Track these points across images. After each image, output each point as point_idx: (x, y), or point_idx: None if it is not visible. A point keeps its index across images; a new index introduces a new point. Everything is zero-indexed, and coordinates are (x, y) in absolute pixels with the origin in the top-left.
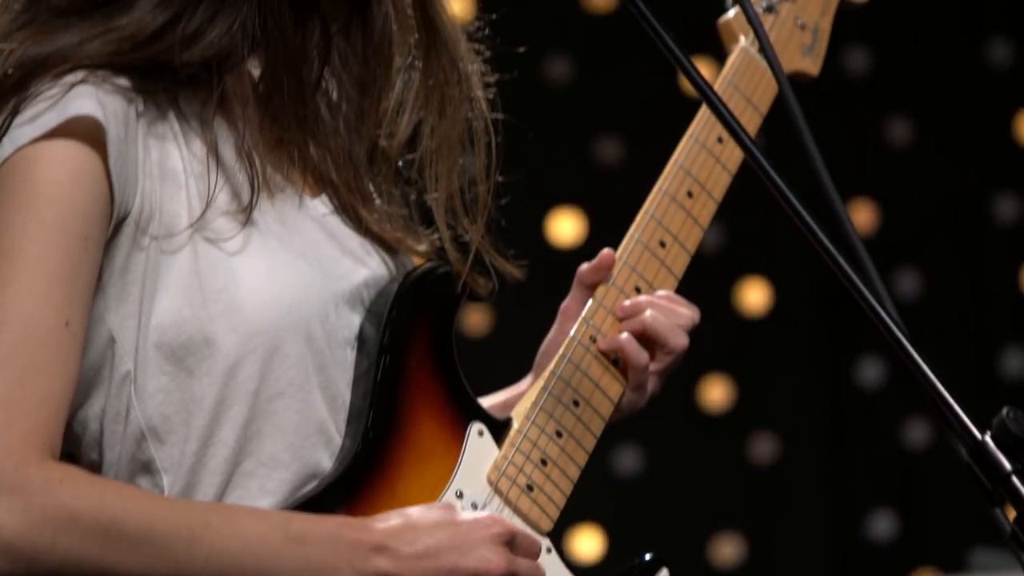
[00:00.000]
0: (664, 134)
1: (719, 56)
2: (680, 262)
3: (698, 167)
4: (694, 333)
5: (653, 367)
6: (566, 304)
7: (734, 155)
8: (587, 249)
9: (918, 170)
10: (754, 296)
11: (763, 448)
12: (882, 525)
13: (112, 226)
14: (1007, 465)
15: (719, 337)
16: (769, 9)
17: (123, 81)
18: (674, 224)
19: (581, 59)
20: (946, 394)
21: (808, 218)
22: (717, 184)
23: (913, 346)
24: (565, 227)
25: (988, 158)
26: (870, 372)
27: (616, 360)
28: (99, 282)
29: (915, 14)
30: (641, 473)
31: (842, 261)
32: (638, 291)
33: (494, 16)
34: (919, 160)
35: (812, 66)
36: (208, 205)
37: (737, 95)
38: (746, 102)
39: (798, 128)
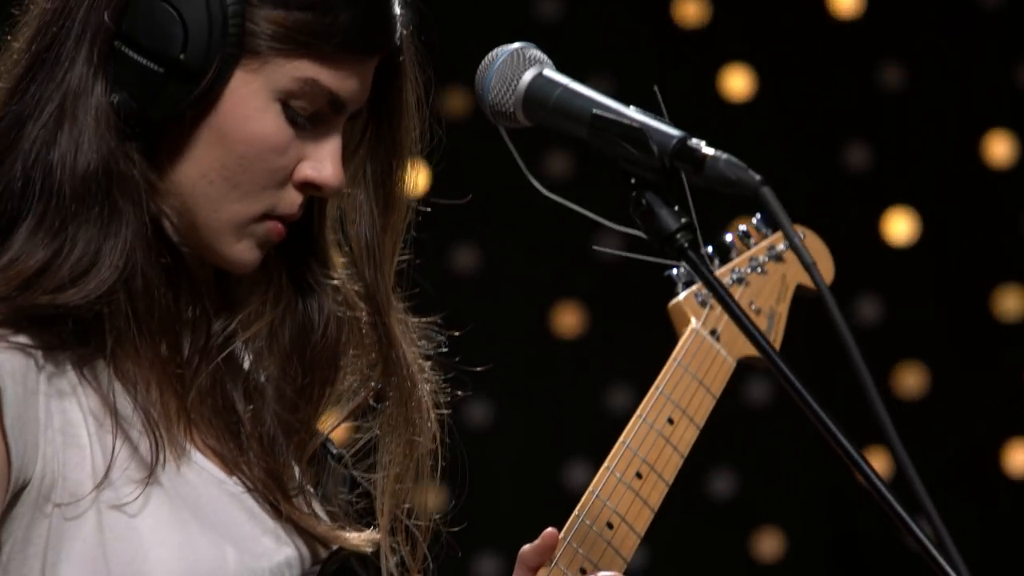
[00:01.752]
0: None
1: None
2: (629, 543)
3: (647, 448)
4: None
5: None
6: None
7: (685, 436)
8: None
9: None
10: (769, 545)
11: None
12: None
13: (11, 493)
14: None
15: None
16: None
17: (22, 339)
18: (622, 505)
19: None
20: None
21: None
22: (668, 466)
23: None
24: None
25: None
26: None
27: None
28: None
29: None
30: None
31: (874, 476)
32: (583, 572)
33: (454, 335)
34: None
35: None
36: (110, 466)
37: (688, 376)
38: (698, 384)
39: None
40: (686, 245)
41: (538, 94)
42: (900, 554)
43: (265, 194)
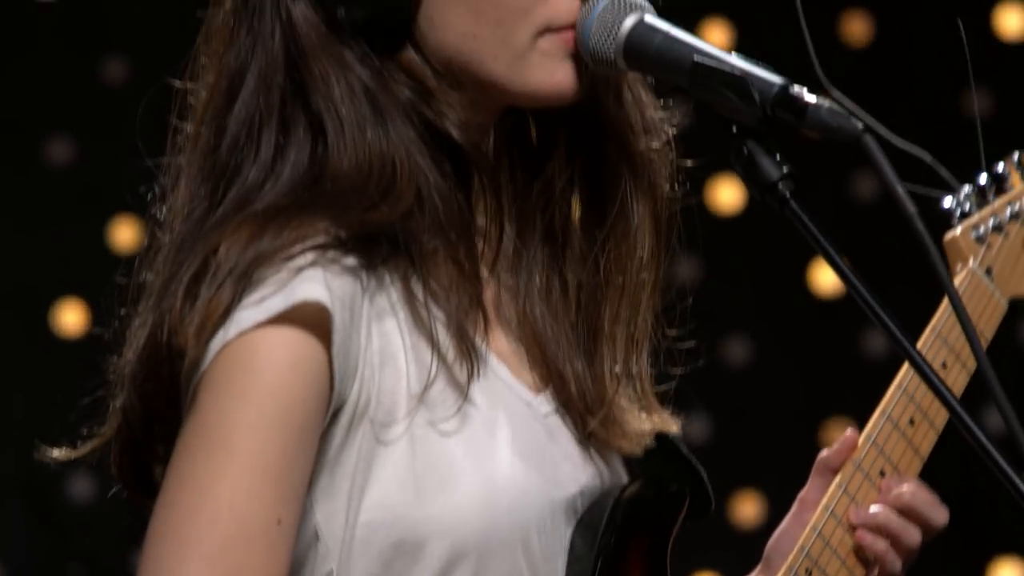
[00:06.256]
0: None
1: None
2: (928, 441)
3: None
4: None
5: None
6: (804, 492)
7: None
8: None
9: None
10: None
11: None
12: None
13: (329, 416)
14: None
15: None
16: (998, 229)
17: (351, 260)
18: (924, 400)
19: None
20: None
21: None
22: (955, 384)
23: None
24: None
25: None
26: None
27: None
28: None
29: None
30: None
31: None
32: (882, 475)
33: None
34: None
35: None
36: (428, 386)
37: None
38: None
39: (995, 397)
40: (787, 195)
41: (639, 41)
42: None
43: (531, 15)
